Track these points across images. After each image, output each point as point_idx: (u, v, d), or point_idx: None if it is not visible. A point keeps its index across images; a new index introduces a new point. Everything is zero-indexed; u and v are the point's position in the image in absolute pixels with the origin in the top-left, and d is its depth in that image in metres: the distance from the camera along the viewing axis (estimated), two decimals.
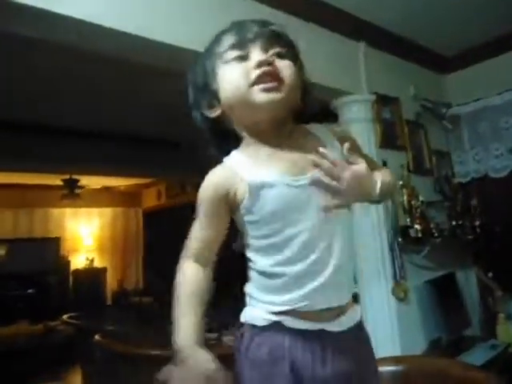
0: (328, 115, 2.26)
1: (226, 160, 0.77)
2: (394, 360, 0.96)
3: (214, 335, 2.90)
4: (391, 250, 1.94)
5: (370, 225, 1.94)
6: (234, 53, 0.72)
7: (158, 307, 4.82)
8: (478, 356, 1.82)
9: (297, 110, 0.78)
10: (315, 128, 0.80)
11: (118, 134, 4.04)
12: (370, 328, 1.93)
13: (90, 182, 6.06)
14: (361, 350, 0.76)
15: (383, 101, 2.17)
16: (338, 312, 0.74)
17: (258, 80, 0.70)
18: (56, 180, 5.52)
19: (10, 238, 6.18)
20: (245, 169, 0.73)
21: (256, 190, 0.71)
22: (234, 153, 0.78)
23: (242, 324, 0.77)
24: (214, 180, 0.75)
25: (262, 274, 0.75)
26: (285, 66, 0.72)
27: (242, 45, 0.72)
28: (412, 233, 2.01)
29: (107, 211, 7.14)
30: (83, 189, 6.03)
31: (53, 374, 3.56)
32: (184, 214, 6.12)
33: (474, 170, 2.49)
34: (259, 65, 0.70)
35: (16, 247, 6.07)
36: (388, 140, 2.15)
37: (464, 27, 2.30)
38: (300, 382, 0.69)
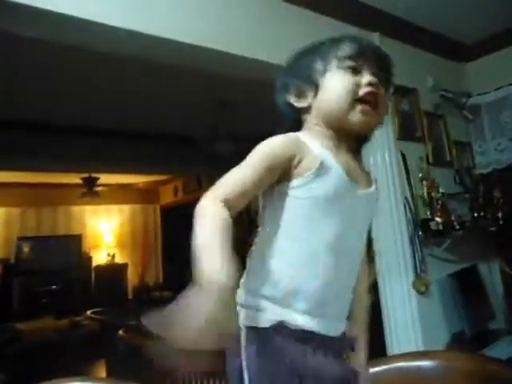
0: None
1: (293, 134, 0.76)
2: (422, 354, 0.95)
3: None
4: (411, 243, 1.92)
5: (390, 218, 1.93)
6: (350, 63, 0.75)
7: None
8: (502, 350, 1.80)
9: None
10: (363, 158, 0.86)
11: (135, 133, 4.10)
12: (391, 322, 1.93)
13: (109, 179, 6.17)
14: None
15: (401, 92, 2.13)
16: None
17: (363, 99, 0.74)
18: (76, 178, 5.64)
19: (34, 235, 6.36)
20: (316, 145, 0.74)
21: (321, 170, 0.70)
22: (301, 133, 0.78)
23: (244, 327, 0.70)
24: (286, 139, 0.73)
25: (286, 264, 0.70)
26: (383, 96, 0.77)
27: (359, 59, 0.76)
28: (433, 225, 1.98)
29: (126, 208, 7.27)
30: (102, 187, 6.16)
31: (78, 367, 3.67)
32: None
33: (496, 161, 2.43)
34: (369, 84, 0.74)
35: (40, 244, 6.24)
36: (406, 132, 2.12)
37: (484, 14, 2.23)
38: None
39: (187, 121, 3.74)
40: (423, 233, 1.95)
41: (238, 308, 0.71)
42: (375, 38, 2.11)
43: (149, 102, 3.27)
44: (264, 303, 0.69)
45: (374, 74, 0.75)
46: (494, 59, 2.51)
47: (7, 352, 3.88)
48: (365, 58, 0.76)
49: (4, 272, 5.90)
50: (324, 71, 0.77)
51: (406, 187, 2.01)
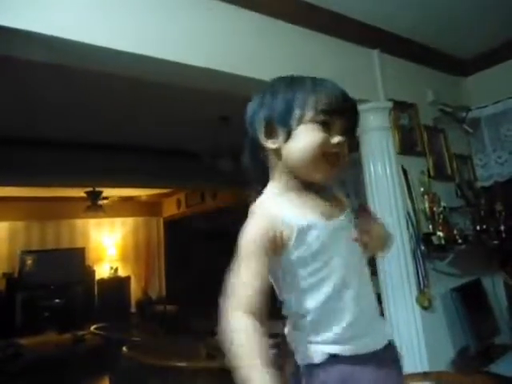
0: None
1: (261, 203, 0.80)
2: (421, 376, 0.95)
3: None
4: (414, 258, 1.92)
5: (392, 233, 1.93)
6: (324, 118, 0.78)
7: (181, 315, 4.87)
8: (509, 365, 1.78)
9: None
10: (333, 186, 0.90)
11: (138, 147, 4.14)
12: (395, 338, 1.91)
13: (113, 193, 6.21)
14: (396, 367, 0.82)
15: (400, 107, 2.16)
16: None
17: (329, 157, 0.78)
18: (80, 192, 5.68)
19: (38, 249, 6.37)
20: (287, 211, 0.77)
21: (301, 230, 0.76)
22: (267, 194, 0.82)
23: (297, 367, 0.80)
24: (260, 224, 0.76)
25: (306, 317, 0.78)
26: (347, 149, 0.82)
27: (333, 114, 0.78)
28: (435, 240, 1.99)
29: (129, 221, 7.29)
30: (106, 200, 6.19)
31: (81, 383, 3.65)
32: (203, 222, 6.20)
33: (497, 174, 2.44)
34: (337, 144, 0.78)
35: (43, 258, 6.25)
36: (407, 146, 2.13)
37: (481, 29, 2.26)
38: None
39: (190, 136, 3.78)
40: (426, 247, 1.95)
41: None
42: (375, 54, 2.15)
43: (153, 117, 3.31)
44: (309, 346, 0.78)
45: (342, 131, 0.80)
46: (492, 73, 2.54)
47: (10, 368, 3.86)
48: (338, 113, 0.79)
49: (7, 286, 5.90)
50: (300, 120, 0.78)
51: (408, 202, 2.02)
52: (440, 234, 2.00)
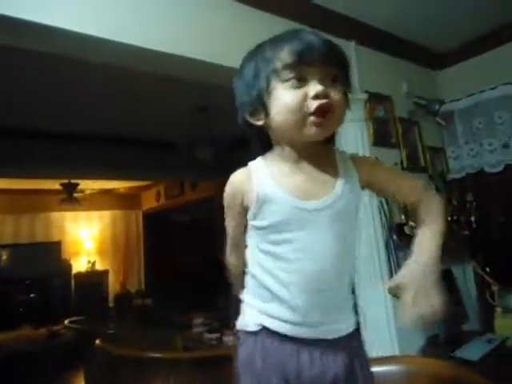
0: None
1: (250, 164, 0.82)
2: (388, 360, 0.97)
3: (214, 335, 2.93)
4: (386, 247, 1.95)
5: (365, 223, 1.95)
6: (292, 73, 0.70)
7: (159, 309, 4.84)
8: (474, 351, 1.84)
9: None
10: (339, 154, 0.83)
11: (115, 138, 4.06)
12: (367, 327, 1.95)
13: (89, 185, 6.08)
14: (347, 360, 0.76)
15: (376, 99, 2.18)
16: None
17: (313, 113, 0.70)
18: (55, 184, 5.54)
19: (12, 243, 6.21)
20: (260, 178, 0.77)
21: (262, 199, 0.75)
22: (259, 159, 0.82)
23: (238, 331, 0.82)
24: (232, 183, 0.81)
25: (255, 279, 0.79)
26: (337, 96, 0.72)
27: (300, 65, 0.70)
28: (407, 230, 2.02)
29: (107, 214, 7.17)
30: (82, 192, 6.06)
31: (56, 378, 3.59)
32: (183, 215, 6.16)
33: (469, 166, 2.50)
34: (316, 97, 0.69)
35: (18, 252, 6.11)
36: (381, 138, 2.16)
37: (455, 22, 2.30)
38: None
39: (168, 126, 3.72)
40: (398, 237, 1.99)
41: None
42: (351, 46, 2.16)
43: (129, 108, 3.25)
44: (253, 311, 0.79)
45: (322, 76, 0.70)
46: (466, 67, 2.59)
47: None
48: (309, 61, 0.69)
49: None
50: (267, 89, 0.73)
51: None
52: (412, 224, 2.03)
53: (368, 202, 1.97)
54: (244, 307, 0.82)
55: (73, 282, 6.50)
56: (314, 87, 0.70)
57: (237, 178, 0.80)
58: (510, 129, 2.34)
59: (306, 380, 0.72)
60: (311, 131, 0.71)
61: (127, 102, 3.13)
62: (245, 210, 0.80)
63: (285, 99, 0.71)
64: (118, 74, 2.37)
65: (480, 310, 2.35)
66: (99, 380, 2.63)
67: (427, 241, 0.80)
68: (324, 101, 0.69)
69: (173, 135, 3.76)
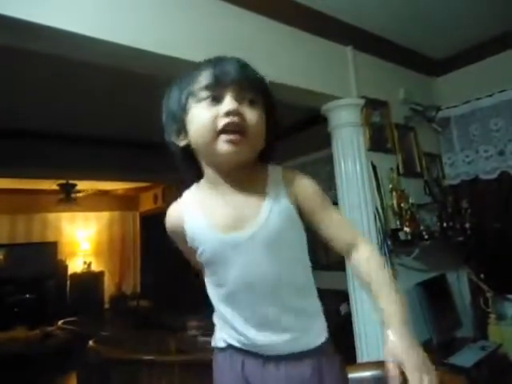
0: (317, 121, 2.28)
1: (183, 195, 0.85)
2: (377, 365, 0.97)
3: (209, 339, 2.92)
4: (381, 252, 1.95)
5: (360, 228, 1.95)
6: (207, 93, 0.73)
7: (154, 311, 4.82)
8: (467, 357, 1.84)
9: (261, 150, 0.79)
10: (273, 173, 0.81)
11: (113, 139, 4.06)
12: (361, 332, 1.95)
13: (87, 186, 6.07)
14: (313, 371, 0.77)
15: (372, 105, 2.19)
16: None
17: (224, 130, 0.71)
18: (53, 185, 5.53)
19: (8, 243, 6.18)
20: (189, 211, 0.81)
21: (191, 237, 0.80)
22: (192, 187, 0.85)
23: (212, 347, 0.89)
24: (168, 221, 0.86)
25: (215, 306, 0.85)
26: (253, 117, 0.73)
27: (215, 87, 0.72)
28: (402, 235, 2.03)
29: (104, 215, 7.15)
30: (80, 193, 6.05)
31: (49, 380, 3.56)
32: None
33: (465, 172, 2.51)
34: (227, 114, 0.70)
35: (14, 252, 6.07)
36: (377, 143, 2.17)
37: (453, 30, 2.32)
38: None
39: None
40: (392, 242, 1.99)
41: None
42: (348, 51, 2.17)
43: (129, 109, 3.25)
44: (220, 330, 0.86)
45: (237, 96, 0.72)
46: (463, 74, 2.60)
47: None
48: (223, 83, 0.72)
49: None
50: (185, 108, 0.75)
51: (377, 197, 2.05)
52: (407, 229, 2.04)
53: (364, 208, 1.98)
54: (215, 325, 0.89)
55: (68, 282, 6.47)
56: (226, 105, 0.71)
57: (171, 215, 0.84)
58: (505, 136, 2.35)
59: None
60: (223, 148, 0.71)
61: (126, 104, 3.13)
62: (184, 242, 0.83)
63: (199, 117, 0.73)
64: (118, 75, 2.38)
65: (474, 316, 2.35)
66: (91, 381, 2.62)
67: (386, 300, 0.76)
68: (234, 118, 0.70)
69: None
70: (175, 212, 0.84)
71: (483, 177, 2.43)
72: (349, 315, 2.04)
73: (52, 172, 4.35)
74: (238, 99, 0.72)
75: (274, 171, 0.81)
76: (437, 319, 1.97)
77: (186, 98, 0.75)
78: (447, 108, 2.55)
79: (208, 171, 0.79)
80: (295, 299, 0.78)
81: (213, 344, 0.88)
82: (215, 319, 0.88)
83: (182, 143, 0.78)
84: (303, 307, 0.79)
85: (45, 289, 6.08)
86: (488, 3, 2.07)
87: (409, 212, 2.10)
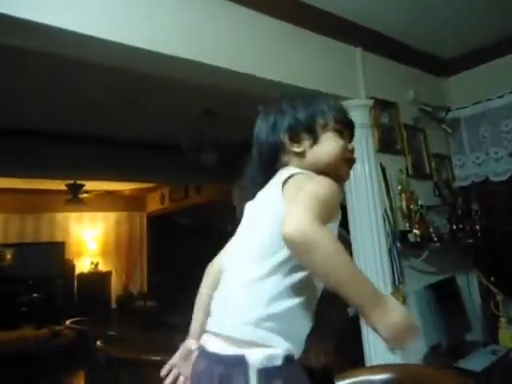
0: None
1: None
2: (385, 368, 0.96)
3: None
4: (390, 254, 1.94)
5: (369, 230, 1.94)
6: (339, 126, 0.91)
7: (161, 311, 4.83)
8: (477, 361, 1.81)
9: None
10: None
11: (121, 140, 4.08)
12: (369, 334, 1.93)
13: (95, 186, 6.11)
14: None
15: (381, 105, 2.17)
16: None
17: (351, 161, 0.92)
18: (61, 185, 5.57)
19: (17, 242, 6.24)
20: None
21: (339, 210, 0.85)
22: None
23: None
24: (336, 188, 0.80)
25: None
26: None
27: (345, 126, 0.93)
28: (411, 237, 2.01)
29: (111, 215, 7.19)
30: (87, 193, 6.09)
31: (57, 378, 3.59)
32: (186, 218, 6.16)
33: (475, 174, 2.48)
34: (353, 151, 0.93)
35: (22, 251, 6.12)
36: (386, 144, 2.15)
37: (463, 30, 2.29)
38: None
39: (174, 129, 3.73)
40: (402, 244, 1.97)
41: None
42: (357, 52, 2.16)
43: (136, 110, 3.27)
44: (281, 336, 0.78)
45: (352, 137, 0.94)
46: (473, 75, 2.58)
47: None
48: (348, 125, 0.94)
49: None
50: (324, 127, 0.90)
51: (386, 199, 2.04)
52: (416, 231, 2.02)
53: (373, 210, 1.96)
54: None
55: (76, 282, 6.51)
56: (351, 144, 0.93)
57: (334, 184, 0.82)
58: None
59: None
60: (346, 174, 0.92)
61: (133, 104, 3.14)
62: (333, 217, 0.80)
63: (337, 143, 0.90)
64: (125, 76, 2.39)
65: (484, 320, 2.32)
66: (99, 381, 2.63)
67: None
68: (354, 156, 0.93)
69: (178, 138, 3.77)
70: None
71: (493, 178, 2.40)
72: (357, 318, 2.02)
73: (60, 172, 4.39)
74: (351, 139, 0.95)
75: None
76: (446, 322, 1.95)
77: (327, 121, 0.90)
78: (457, 109, 2.53)
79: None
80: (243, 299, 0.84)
81: (270, 363, 0.70)
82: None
83: (297, 149, 0.89)
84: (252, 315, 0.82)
85: (52, 288, 6.13)
86: (498, 3, 2.05)
87: (418, 214, 2.08)
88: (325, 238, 0.66)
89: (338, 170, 0.90)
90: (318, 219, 0.67)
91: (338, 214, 0.82)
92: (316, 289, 0.79)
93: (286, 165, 0.90)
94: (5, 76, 2.49)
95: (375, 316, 0.65)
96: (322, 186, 0.78)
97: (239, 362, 0.70)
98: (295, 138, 0.90)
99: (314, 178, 0.82)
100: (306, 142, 0.89)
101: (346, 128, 0.93)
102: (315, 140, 0.89)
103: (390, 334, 0.65)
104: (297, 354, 0.73)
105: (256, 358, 0.70)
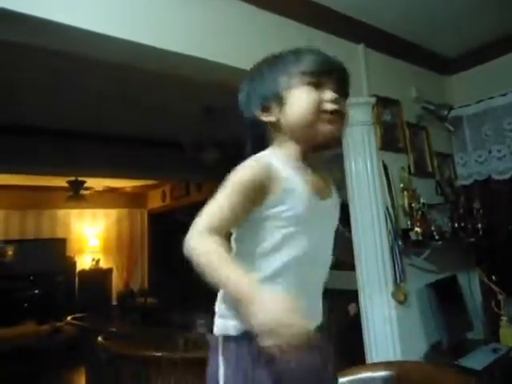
0: None
1: (263, 154, 0.81)
2: (385, 365, 0.96)
3: None
4: (392, 252, 1.93)
5: (371, 228, 1.94)
6: (313, 79, 0.79)
7: (161, 308, 4.84)
8: (478, 360, 1.81)
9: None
10: (322, 162, 0.88)
11: (122, 137, 4.08)
12: (370, 331, 1.93)
13: (96, 183, 6.11)
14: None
15: (384, 103, 2.16)
16: None
17: (330, 112, 0.78)
18: (62, 182, 5.58)
19: (18, 238, 6.25)
20: (285, 169, 0.78)
21: (285, 190, 0.76)
22: (268, 153, 0.82)
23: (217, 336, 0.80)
24: (257, 168, 0.76)
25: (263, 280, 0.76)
26: (347, 110, 0.82)
27: (321, 75, 0.79)
28: (412, 235, 2.00)
29: (112, 212, 7.20)
30: (89, 190, 6.09)
31: (58, 374, 3.60)
32: (187, 215, 6.16)
33: (477, 172, 2.47)
34: (334, 101, 0.78)
35: (23, 248, 6.13)
36: (389, 142, 2.14)
37: (466, 28, 2.28)
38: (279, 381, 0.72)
39: (175, 127, 3.73)
40: (403, 243, 1.97)
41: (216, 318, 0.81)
42: (359, 49, 2.15)
43: (138, 108, 3.26)
44: (234, 315, 0.76)
45: (337, 89, 0.80)
46: (476, 72, 2.57)
47: None
48: (325, 73, 0.79)
49: None
50: (289, 86, 0.79)
51: (387, 197, 2.03)
52: (418, 229, 2.02)
53: (374, 208, 1.96)
54: (226, 311, 0.80)
55: (77, 279, 6.53)
56: (331, 94, 0.79)
57: (263, 165, 0.77)
58: None
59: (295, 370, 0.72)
60: (325, 127, 0.78)
61: (134, 102, 3.14)
62: (262, 197, 0.76)
63: (305, 97, 0.78)
64: (126, 73, 2.39)
65: (485, 318, 2.32)
66: (100, 377, 2.64)
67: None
68: (338, 106, 0.79)
69: (179, 136, 3.76)
70: (269, 163, 0.78)
71: (496, 177, 2.39)
72: (358, 315, 2.02)
73: (61, 169, 4.39)
74: (337, 90, 0.80)
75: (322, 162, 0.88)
76: (447, 320, 1.95)
77: (289, 79, 0.80)
78: (460, 107, 2.52)
79: (293, 148, 0.82)
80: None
81: (221, 333, 0.79)
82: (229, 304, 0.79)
83: (269, 118, 0.81)
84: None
85: (54, 285, 6.14)
86: (502, 0, 2.03)
87: (420, 212, 2.08)
88: (200, 254, 0.71)
89: (312, 130, 0.78)
90: (208, 228, 0.71)
91: (270, 192, 0.75)
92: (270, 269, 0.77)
93: (271, 143, 0.84)
94: (5, 72, 2.48)
95: (249, 314, 0.65)
96: (237, 177, 0.75)
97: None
98: (266, 108, 0.82)
99: (238, 168, 0.76)
100: (276, 109, 0.81)
101: (323, 77, 0.79)
102: (281, 102, 0.80)
103: (261, 332, 0.63)
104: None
105: (217, 325, 0.80)
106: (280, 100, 0.80)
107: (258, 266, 0.77)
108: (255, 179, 0.75)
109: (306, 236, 0.77)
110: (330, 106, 0.78)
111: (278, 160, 0.79)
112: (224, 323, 0.78)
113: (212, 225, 0.72)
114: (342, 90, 0.81)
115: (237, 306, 0.72)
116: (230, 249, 0.78)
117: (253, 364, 0.73)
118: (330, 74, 0.80)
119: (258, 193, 0.75)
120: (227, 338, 0.77)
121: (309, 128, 0.78)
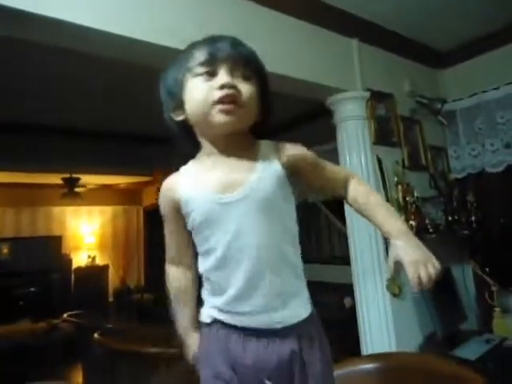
0: (322, 113, 2.27)
1: (181, 168, 0.86)
2: (381, 357, 0.97)
3: None
4: (386, 245, 1.95)
5: (365, 221, 1.94)
6: (203, 69, 0.77)
7: (157, 304, 4.85)
8: (472, 350, 1.83)
9: (255, 124, 0.83)
10: (264, 144, 0.84)
11: (117, 133, 4.06)
12: (365, 323, 1.95)
13: (91, 180, 6.09)
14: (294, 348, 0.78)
15: (378, 97, 2.17)
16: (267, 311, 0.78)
17: (219, 101, 0.75)
18: (57, 179, 5.55)
19: (13, 236, 6.22)
20: (184, 180, 0.83)
21: (186, 202, 0.81)
22: (190, 161, 0.86)
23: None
24: (163, 189, 0.86)
25: (203, 277, 0.86)
26: (246, 90, 0.77)
27: (211, 62, 0.77)
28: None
29: (108, 209, 7.18)
30: (84, 187, 6.07)
31: (55, 372, 3.60)
32: None
33: (470, 166, 2.49)
34: (222, 87, 0.75)
35: (19, 245, 6.11)
36: (382, 136, 2.15)
37: (459, 21, 2.29)
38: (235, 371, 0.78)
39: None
40: None
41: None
42: (353, 44, 2.15)
43: (133, 103, 3.24)
44: (207, 304, 0.86)
45: (231, 71, 0.77)
46: (469, 66, 2.57)
47: None
48: (218, 59, 0.77)
49: None
50: (182, 83, 0.80)
51: (382, 191, 2.04)
52: (412, 223, 2.03)
53: None
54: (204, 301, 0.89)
55: (73, 276, 6.52)
56: (221, 79, 0.76)
57: (166, 183, 0.85)
58: None
59: (250, 366, 0.76)
60: (218, 118, 0.75)
61: (128, 98, 3.12)
62: (178, 216, 0.84)
63: (195, 90, 0.78)
64: (123, 69, 2.37)
65: (478, 310, 2.35)
66: (96, 373, 2.64)
67: (384, 215, 0.85)
68: (229, 91, 0.75)
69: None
70: (170, 182, 0.85)
71: (489, 170, 2.40)
72: (353, 309, 2.04)
73: (55, 166, 4.37)
74: (232, 74, 0.77)
75: (266, 143, 0.85)
76: (441, 312, 1.97)
77: (183, 75, 0.79)
78: (453, 101, 2.53)
79: (204, 143, 0.83)
80: (287, 266, 0.81)
81: (200, 319, 0.88)
82: (204, 294, 0.87)
83: (179, 118, 0.82)
84: (292, 276, 0.81)
85: (50, 282, 6.13)
86: None
87: (414, 205, 2.09)
88: (167, 282, 0.96)
89: (208, 121, 0.77)
90: (168, 260, 0.95)
91: (179, 209, 0.82)
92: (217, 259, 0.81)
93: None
94: (1, 69, 2.46)
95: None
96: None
97: None
98: (173, 108, 0.82)
99: None
100: (180, 108, 0.81)
101: (212, 66, 0.77)
102: (181, 101, 0.80)
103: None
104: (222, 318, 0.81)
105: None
106: (180, 98, 0.80)
107: (199, 267, 0.86)
108: (164, 207, 0.86)
109: (223, 233, 0.77)
110: (218, 94, 0.75)
111: (184, 172, 0.84)
112: (202, 311, 0.88)
113: (168, 256, 0.94)
114: (239, 72, 0.77)
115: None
116: (187, 274, 0.92)
117: (216, 349, 0.80)
118: (221, 58, 0.76)
119: (174, 216, 0.85)
120: (203, 324, 0.86)
121: (205, 120, 0.77)
